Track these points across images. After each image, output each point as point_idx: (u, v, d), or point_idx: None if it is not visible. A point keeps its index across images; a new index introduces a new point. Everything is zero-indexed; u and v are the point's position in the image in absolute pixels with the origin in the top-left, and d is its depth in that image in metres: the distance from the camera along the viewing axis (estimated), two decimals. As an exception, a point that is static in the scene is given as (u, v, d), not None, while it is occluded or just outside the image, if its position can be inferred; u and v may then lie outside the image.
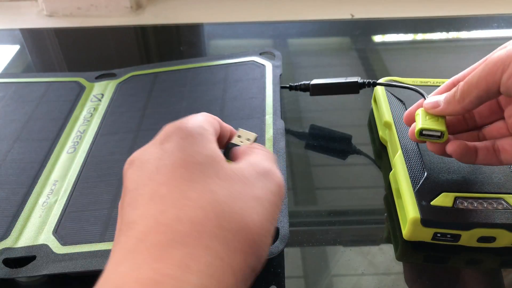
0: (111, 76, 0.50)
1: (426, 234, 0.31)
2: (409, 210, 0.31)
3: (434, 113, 0.31)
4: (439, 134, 0.30)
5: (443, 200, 0.31)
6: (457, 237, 0.31)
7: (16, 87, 0.49)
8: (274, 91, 0.43)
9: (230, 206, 0.21)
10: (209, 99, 0.45)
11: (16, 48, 0.60)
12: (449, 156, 0.31)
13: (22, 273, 0.30)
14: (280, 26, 0.63)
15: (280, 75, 0.46)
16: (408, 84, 0.41)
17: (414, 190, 0.32)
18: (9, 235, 0.33)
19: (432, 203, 0.31)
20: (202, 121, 0.25)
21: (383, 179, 0.38)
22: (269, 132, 0.38)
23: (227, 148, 0.29)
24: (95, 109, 0.45)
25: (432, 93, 0.33)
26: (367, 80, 0.42)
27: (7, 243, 0.32)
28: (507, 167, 0.33)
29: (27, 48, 0.60)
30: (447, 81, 0.32)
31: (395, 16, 0.64)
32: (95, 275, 0.30)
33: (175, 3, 0.70)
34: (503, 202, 0.31)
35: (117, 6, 0.66)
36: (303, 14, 0.66)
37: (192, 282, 0.18)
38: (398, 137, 0.37)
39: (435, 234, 0.31)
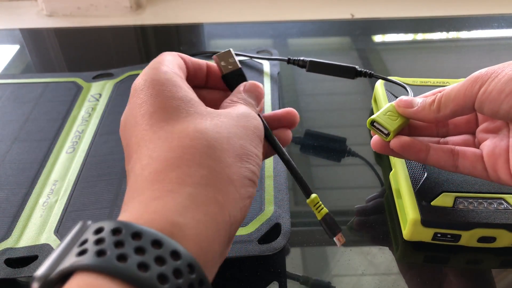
0: (108, 76, 0.51)
1: (426, 234, 0.31)
2: (409, 210, 0.31)
3: (403, 113, 0.31)
4: (386, 132, 0.30)
5: (443, 200, 0.31)
6: (457, 237, 0.31)
7: (12, 88, 0.49)
8: (272, 89, 0.43)
9: (217, 131, 0.22)
10: None
11: (16, 48, 0.60)
12: (390, 154, 0.32)
13: (25, 273, 0.30)
14: (280, 26, 0.63)
15: (278, 73, 0.46)
16: (408, 84, 0.41)
17: (414, 190, 0.32)
18: (10, 235, 0.33)
19: (432, 203, 0.31)
20: (168, 65, 0.25)
21: (383, 179, 0.38)
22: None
23: (226, 78, 0.29)
24: (93, 109, 0.45)
25: (420, 96, 0.32)
26: (365, 70, 0.42)
27: (8, 243, 0.32)
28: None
29: (27, 48, 0.60)
30: (434, 90, 0.32)
31: (395, 16, 0.64)
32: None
33: (175, 3, 0.70)
34: (503, 202, 0.31)
35: (117, 6, 0.66)
36: (303, 14, 0.66)
37: (188, 192, 0.19)
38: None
39: (435, 234, 0.31)
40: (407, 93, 0.36)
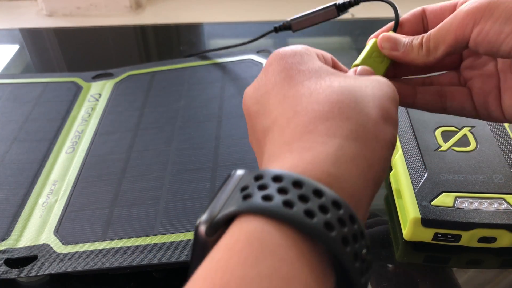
0: (108, 76, 0.50)
1: (427, 235, 0.31)
2: (409, 210, 0.31)
3: (388, 55, 0.28)
4: None
5: (444, 200, 0.31)
6: (457, 238, 0.31)
7: (12, 88, 0.49)
8: None
9: (363, 89, 0.22)
10: (208, 97, 0.45)
11: (15, 47, 0.60)
12: None
13: (24, 273, 0.30)
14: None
15: None
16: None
17: (414, 190, 0.32)
18: (9, 235, 0.33)
19: (432, 203, 0.31)
20: (303, 46, 0.25)
21: (383, 179, 0.38)
22: None
23: None
24: (92, 109, 0.45)
25: (402, 16, 0.29)
26: (347, 1, 0.37)
27: (8, 243, 0.32)
28: (508, 167, 0.33)
29: (27, 48, 0.60)
30: (415, 11, 0.29)
31: (395, 16, 0.64)
32: (96, 274, 0.31)
33: (175, 3, 0.70)
34: (504, 202, 0.31)
35: (117, 6, 0.66)
36: (303, 14, 0.66)
37: (339, 144, 0.19)
38: (399, 137, 0.37)
39: (435, 234, 0.31)
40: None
